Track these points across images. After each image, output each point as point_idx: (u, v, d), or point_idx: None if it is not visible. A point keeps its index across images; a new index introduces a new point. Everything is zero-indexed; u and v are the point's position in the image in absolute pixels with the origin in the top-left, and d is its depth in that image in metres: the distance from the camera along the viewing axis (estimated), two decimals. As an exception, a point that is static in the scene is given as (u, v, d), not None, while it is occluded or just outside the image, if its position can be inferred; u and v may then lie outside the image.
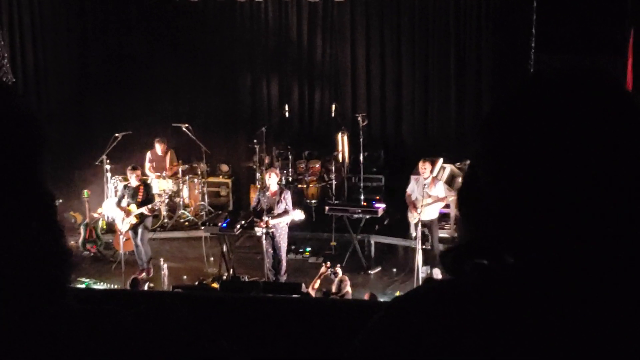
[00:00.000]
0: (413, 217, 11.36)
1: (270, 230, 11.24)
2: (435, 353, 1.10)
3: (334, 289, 9.31)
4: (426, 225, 11.37)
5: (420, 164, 11.44)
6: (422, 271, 10.87)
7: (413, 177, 11.75)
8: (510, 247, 1.15)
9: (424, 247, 11.19)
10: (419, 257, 10.92)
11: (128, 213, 11.82)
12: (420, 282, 10.66)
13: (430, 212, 11.28)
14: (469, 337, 1.09)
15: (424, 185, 11.26)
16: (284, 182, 13.42)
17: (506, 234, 1.14)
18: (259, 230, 11.27)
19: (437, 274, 10.91)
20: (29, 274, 1.11)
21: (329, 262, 10.42)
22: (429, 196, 11.18)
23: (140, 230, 11.86)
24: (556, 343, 1.06)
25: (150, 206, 11.90)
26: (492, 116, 1.18)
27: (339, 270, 9.91)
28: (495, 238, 1.16)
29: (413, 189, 11.49)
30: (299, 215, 11.38)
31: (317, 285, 9.76)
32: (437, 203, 11.23)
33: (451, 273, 1.20)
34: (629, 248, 1.08)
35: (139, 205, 11.81)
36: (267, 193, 11.41)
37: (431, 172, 11.42)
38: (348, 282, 9.44)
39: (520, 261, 1.14)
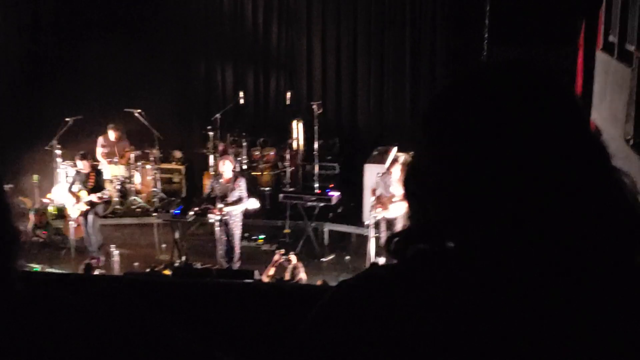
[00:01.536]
0: (377, 214, 11.25)
1: (224, 218, 11.21)
2: (375, 335, 1.12)
3: (287, 276, 9.34)
4: (389, 221, 11.30)
5: (391, 165, 11.40)
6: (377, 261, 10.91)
7: (379, 173, 11.68)
8: (451, 232, 1.18)
9: (376, 234, 11.25)
10: (372, 245, 10.98)
11: (78, 199, 11.69)
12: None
13: (394, 210, 11.18)
14: (406, 319, 1.11)
15: (390, 183, 11.20)
16: (238, 169, 13.38)
17: (447, 219, 1.17)
18: (213, 218, 11.24)
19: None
20: None
21: (282, 250, 10.43)
22: (394, 195, 11.12)
23: (90, 217, 11.74)
24: (493, 326, 1.09)
25: (99, 194, 11.77)
26: (432, 106, 1.21)
27: (292, 257, 9.94)
28: (437, 224, 1.19)
29: (378, 184, 11.41)
30: (253, 204, 11.37)
31: (271, 272, 9.77)
32: (402, 201, 11.08)
33: (395, 257, 1.23)
34: (566, 231, 1.11)
35: (90, 192, 11.68)
36: (221, 180, 11.37)
37: (401, 171, 11.26)
38: (302, 269, 9.47)
39: (460, 246, 1.17)
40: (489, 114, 1.13)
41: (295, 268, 9.40)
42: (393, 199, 11.11)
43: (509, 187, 1.11)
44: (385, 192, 11.21)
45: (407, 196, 1.26)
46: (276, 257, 10.01)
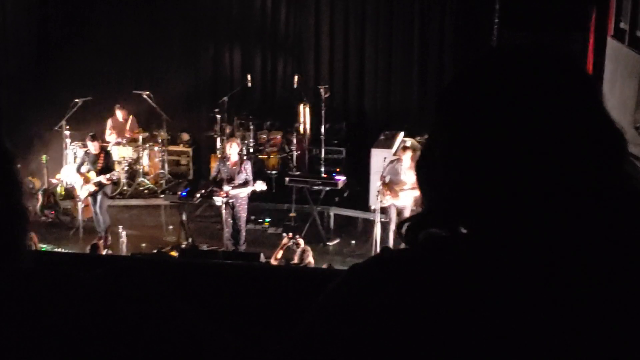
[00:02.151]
0: (386, 200, 11.19)
1: (230, 201, 11.22)
2: (386, 319, 1.12)
3: (296, 259, 9.34)
4: (398, 209, 11.24)
5: (401, 152, 11.36)
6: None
7: (389, 159, 11.63)
8: (464, 217, 1.18)
9: (383, 219, 11.24)
10: (378, 230, 10.98)
11: (87, 180, 11.71)
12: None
13: (404, 198, 11.10)
14: (417, 304, 1.12)
15: (401, 170, 11.11)
16: (244, 152, 13.38)
17: (459, 205, 1.17)
18: (219, 200, 11.25)
19: None
20: None
21: (290, 233, 10.42)
22: (405, 183, 11.07)
23: (99, 198, 11.77)
24: (504, 312, 1.09)
25: (108, 175, 11.78)
26: (448, 89, 1.21)
27: (301, 241, 9.94)
28: (449, 209, 1.19)
29: (388, 172, 11.37)
30: (260, 186, 11.36)
31: (279, 255, 9.78)
32: (414, 190, 10.96)
33: (406, 242, 1.23)
34: (580, 219, 1.11)
35: (99, 173, 11.70)
36: (228, 163, 11.37)
37: (412, 158, 11.25)
38: (310, 253, 9.47)
39: (472, 232, 1.18)
40: (504, 96, 1.13)
41: (304, 252, 9.40)
42: (404, 187, 11.03)
43: (524, 171, 1.10)
44: (395, 180, 11.15)
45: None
46: (285, 240, 10.01)
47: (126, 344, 1.11)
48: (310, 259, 9.36)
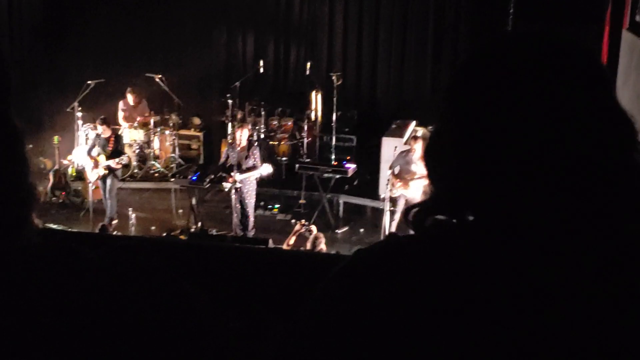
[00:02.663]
0: (395, 191, 11.15)
1: (238, 186, 11.22)
2: (390, 305, 1.12)
3: (308, 246, 9.33)
4: (408, 201, 11.08)
5: (412, 142, 11.33)
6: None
7: (400, 149, 11.60)
8: (471, 204, 1.18)
9: (392, 208, 11.23)
10: (387, 219, 10.98)
11: (97, 163, 11.73)
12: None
13: (415, 189, 11.02)
14: (422, 291, 1.12)
15: (412, 160, 11.05)
16: (255, 138, 13.38)
17: (467, 191, 1.17)
18: (227, 186, 11.27)
19: None
20: None
21: (303, 220, 10.41)
22: (414, 172, 11.00)
23: (109, 182, 11.77)
24: (510, 300, 1.09)
25: (118, 159, 11.77)
26: (456, 74, 1.21)
27: (313, 228, 9.94)
28: (457, 195, 1.19)
29: (398, 162, 11.31)
30: (267, 169, 11.36)
31: (291, 242, 9.78)
32: (423, 179, 10.82)
33: (413, 228, 1.23)
34: (590, 208, 1.11)
35: (108, 157, 11.70)
36: (237, 148, 11.37)
37: (423, 148, 11.09)
38: (323, 240, 9.45)
39: (480, 219, 1.18)
40: (514, 83, 1.12)
41: (316, 238, 9.39)
42: (414, 177, 11.00)
43: (533, 159, 1.10)
44: (406, 170, 11.11)
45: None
46: (297, 227, 10.01)
47: (130, 322, 1.11)
48: (322, 246, 9.35)
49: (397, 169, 11.18)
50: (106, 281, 1.13)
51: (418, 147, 11.05)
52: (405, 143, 12.12)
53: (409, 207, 1.25)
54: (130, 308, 1.12)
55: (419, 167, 10.94)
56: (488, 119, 1.13)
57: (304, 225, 9.96)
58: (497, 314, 1.09)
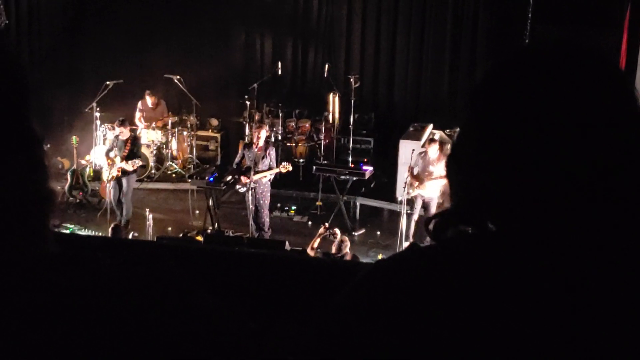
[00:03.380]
0: (412, 192, 11.14)
1: (253, 186, 11.21)
2: (412, 316, 1.11)
3: (334, 249, 9.27)
4: (425, 202, 11.22)
5: (427, 144, 11.32)
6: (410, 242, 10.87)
7: (418, 151, 11.60)
8: (493, 215, 1.17)
9: (409, 212, 11.21)
10: (403, 222, 10.95)
11: (112, 164, 11.75)
12: (404, 246, 10.72)
13: (431, 189, 11.06)
14: (445, 302, 1.11)
15: (429, 161, 11.09)
16: (272, 139, 13.40)
17: (489, 202, 1.16)
18: (241, 188, 11.27)
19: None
20: (13, 213, 1.11)
21: (327, 223, 10.35)
22: (431, 173, 11.01)
23: (125, 184, 11.75)
24: (531, 310, 1.08)
25: (131, 162, 11.71)
26: (480, 85, 1.20)
27: (337, 231, 9.90)
28: (479, 206, 1.18)
29: (417, 162, 11.32)
30: (285, 167, 11.35)
31: (316, 244, 9.73)
32: (439, 180, 10.88)
33: (434, 239, 1.22)
34: (614, 217, 1.10)
35: (123, 159, 11.70)
36: (255, 149, 11.36)
37: (439, 150, 11.19)
38: (348, 244, 9.38)
39: (502, 229, 1.16)
40: (538, 91, 1.11)
41: (342, 242, 9.31)
42: (431, 177, 11.00)
43: (555, 169, 1.09)
44: (423, 170, 11.12)
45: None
46: (321, 230, 9.96)
47: (146, 332, 1.11)
48: (347, 250, 9.29)
49: (415, 170, 11.18)
50: (123, 291, 1.12)
51: (432, 150, 11.10)
52: (423, 145, 12.10)
53: (429, 217, 1.24)
54: (146, 318, 1.11)
55: (435, 168, 10.98)
56: (511, 129, 1.12)
57: (327, 229, 9.92)
58: (522, 326, 1.07)
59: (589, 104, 1.10)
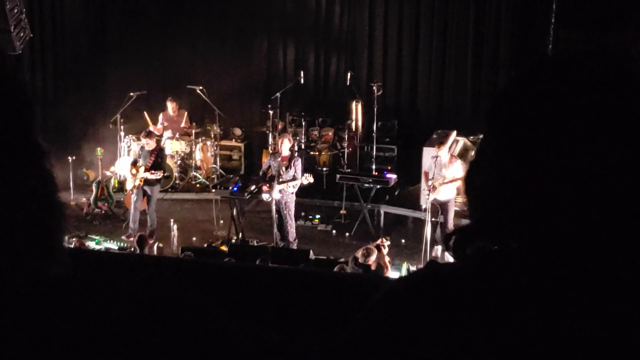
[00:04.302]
0: (428, 196, 11.12)
1: (278, 196, 11.20)
2: (432, 337, 1.09)
3: (360, 257, 9.18)
4: (441, 204, 11.22)
5: (436, 148, 11.31)
6: (435, 250, 10.83)
7: (431, 156, 11.60)
8: (514, 231, 1.15)
9: (433, 219, 11.16)
10: (428, 230, 10.91)
11: (136, 173, 11.80)
12: (429, 255, 10.67)
13: (446, 192, 11.09)
14: (465, 322, 1.08)
15: (441, 165, 11.11)
16: (296, 148, 13.41)
17: (510, 218, 1.14)
18: (266, 196, 11.26)
19: (448, 256, 10.76)
20: (22, 231, 1.10)
21: (385, 239, 10.19)
22: (445, 177, 11.03)
23: (149, 194, 11.83)
24: (555, 329, 1.06)
25: (153, 171, 11.73)
26: (500, 97, 1.18)
27: (386, 243, 9.85)
28: (499, 222, 1.16)
29: (431, 167, 11.30)
30: (307, 179, 11.33)
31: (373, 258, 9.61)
32: (453, 183, 10.95)
33: (454, 256, 1.20)
34: (634, 233, 1.07)
35: (147, 169, 11.74)
36: (279, 158, 11.37)
37: (449, 151, 11.25)
38: (375, 254, 9.28)
39: (523, 246, 1.14)
40: (558, 106, 1.09)
41: (368, 251, 9.23)
42: (444, 181, 11.00)
43: (578, 186, 1.07)
44: (437, 174, 11.13)
45: (468, 191, 1.23)
46: (379, 241, 9.90)
47: (160, 356, 1.10)
48: (372, 259, 9.19)
49: (430, 173, 11.18)
50: (139, 315, 1.11)
51: (443, 152, 11.12)
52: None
53: (449, 234, 1.22)
54: (160, 342, 1.10)
55: (448, 171, 11.02)
56: (532, 144, 1.10)
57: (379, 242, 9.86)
58: (546, 346, 1.05)
59: (613, 118, 1.08)
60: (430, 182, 11.04)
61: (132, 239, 11.33)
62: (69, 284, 1.11)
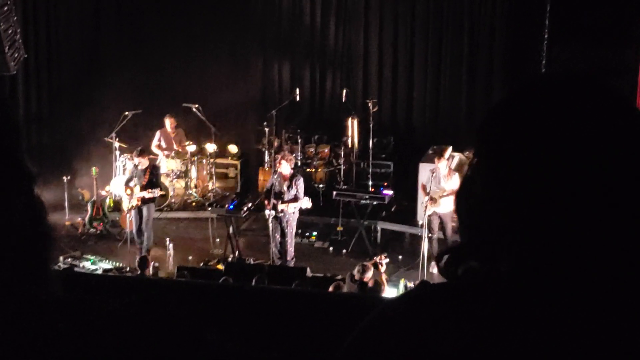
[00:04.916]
0: (428, 209, 11.18)
1: (279, 215, 11.18)
2: (424, 358, 1.08)
3: (356, 274, 9.16)
4: (441, 217, 11.32)
5: (436, 160, 11.38)
6: (432, 266, 10.82)
7: (430, 169, 11.64)
8: (504, 251, 1.14)
9: (430, 235, 11.16)
10: (425, 245, 10.90)
11: (132, 194, 11.78)
12: (426, 272, 10.65)
13: (445, 205, 11.17)
14: (456, 343, 1.08)
15: (440, 177, 11.23)
16: (292, 165, 13.39)
17: (500, 238, 1.13)
18: (267, 212, 11.23)
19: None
20: (12, 255, 1.09)
21: (383, 257, 10.18)
22: (444, 190, 11.12)
23: (145, 213, 11.79)
24: (544, 348, 1.05)
25: (150, 190, 11.73)
26: (488, 118, 1.17)
27: (384, 261, 9.85)
28: (490, 242, 1.15)
29: (429, 179, 11.35)
30: (306, 203, 11.32)
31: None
32: (452, 196, 11.02)
33: (445, 276, 1.19)
34: (623, 254, 1.07)
35: (143, 188, 11.73)
36: (280, 177, 11.33)
37: (448, 165, 11.36)
38: (372, 271, 9.26)
39: (514, 266, 1.13)
40: (547, 128, 1.09)
41: (364, 268, 9.21)
42: (443, 194, 11.06)
43: (568, 207, 1.06)
44: (436, 187, 11.18)
45: (459, 211, 1.22)
46: (376, 258, 9.91)
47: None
48: (369, 275, 9.17)
49: (428, 186, 11.25)
50: (129, 336, 1.10)
51: (442, 165, 11.25)
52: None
53: (440, 253, 1.21)
54: None
55: (447, 184, 11.13)
56: (520, 165, 1.10)
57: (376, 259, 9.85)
58: None
59: (600, 140, 1.07)
60: (427, 196, 11.08)
61: (143, 252, 11.33)
62: (58, 306, 1.10)
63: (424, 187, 11.37)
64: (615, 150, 1.07)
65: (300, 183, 11.35)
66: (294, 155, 12.53)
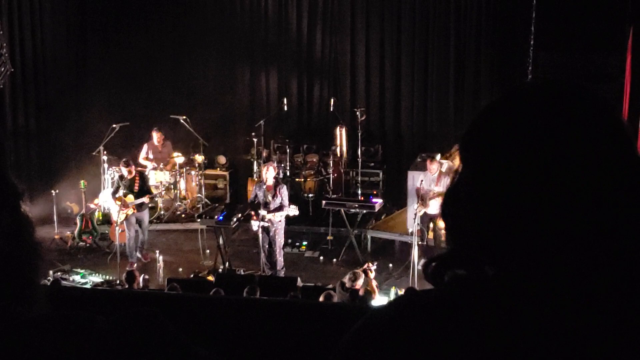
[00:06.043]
0: (419, 210, 11.37)
1: (266, 225, 11.18)
2: None
3: (347, 282, 9.17)
4: (432, 219, 11.51)
5: (428, 162, 11.57)
6: (419, 264, 10.84)
7: (423, 172, 11.80)
8: (490, 258, 1.14)
9: (420, 242, 11.19)
10: (415, 253, 10.92)
11: (125, 203, 11.76)
12: (417, 279, 10.65)
13: (435, 206, 11.33)
14: (444, 349, 1.08)
15: (431, 180, 11.48)
16: (281, 175, 13.39)
17: (486, 245, 1.14)
18: (255, 224, 11.23)
19: None
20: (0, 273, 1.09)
21: (371, 264, 10.26)
22: (435, 192, 11.28)
23: (145, 218, 11.91)
24: (532, 353, 1.05)
25: (149, 195, 11.87)
26: (472, 128, 1.18)
27: (372, 267, 9.91)
28: (476, 249, 1.15)
29: (425, 178, 11.60)
30: (293, 211, 11.32)
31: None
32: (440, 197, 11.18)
33: (432, 283, 1.20)
34: (607, 260, 1.07)
35: (137, 195, 11.76)
36: (264, 187, 11.34)
37: (438, 169, 11.52)
38: (362, 279, 9.27)
39: (499, 273, 1.14)
40: (531, 135, 1.10)
41: (355, 275, 9.23)
42: (434, 196, 11.26)
43: (553, 214, 1.07)
44: (427, 189, 11.41)
45: (445, 218, 1.23)
46: (365, 266, 9.96)
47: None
48: (359, 283, 9.17)
49: (421, 186, 11.49)
50: (116, 351, 1.09)
51: (434, 168, 11.51)
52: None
53: (427, 261, 1.22)
54: None
55: (438, 186, 11.35)
56: (502, 174, 1.10)
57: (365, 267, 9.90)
58: None
59: (583, 148, 1.09)
60: (419, 199, 11.26)
61: (135, 266, 11.32)
62: (45, 323, 1.10)
63: (418, 190, 11.48)
64: (597, 158, 1.08)
65: (284, 191, 11.35)
66: (276, 164, 12.50)
